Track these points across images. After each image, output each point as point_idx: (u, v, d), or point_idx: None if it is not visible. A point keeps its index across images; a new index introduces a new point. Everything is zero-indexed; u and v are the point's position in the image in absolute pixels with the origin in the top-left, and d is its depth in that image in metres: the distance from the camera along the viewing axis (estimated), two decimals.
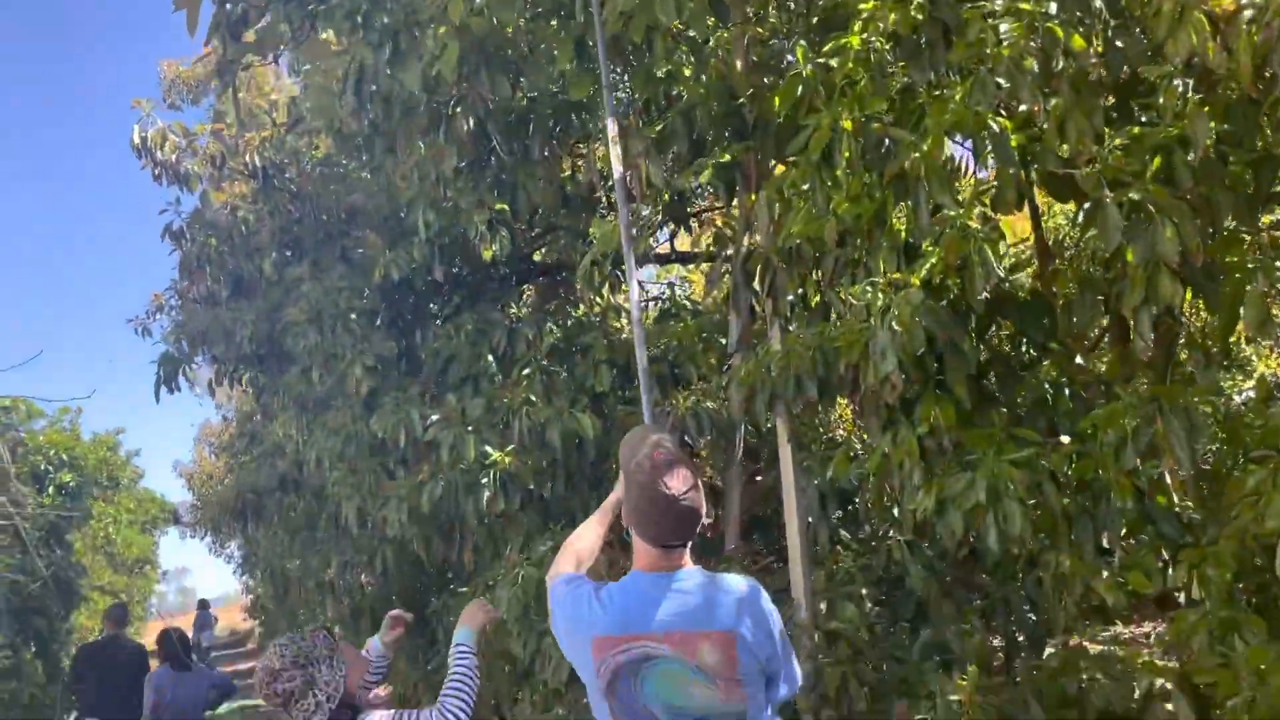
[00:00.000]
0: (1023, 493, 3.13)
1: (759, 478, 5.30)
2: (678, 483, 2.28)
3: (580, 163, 5.87)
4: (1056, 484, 3.20)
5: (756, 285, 4.19)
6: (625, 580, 2.39)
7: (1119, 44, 3.32)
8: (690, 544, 2.40)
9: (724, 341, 5.27)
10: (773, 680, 2.42)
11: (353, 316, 5.86)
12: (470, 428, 5.07)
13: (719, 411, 4.92)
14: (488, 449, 4.95)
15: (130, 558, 22.29)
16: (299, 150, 7.48)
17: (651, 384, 3.82)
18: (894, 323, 3.27)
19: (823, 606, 4.02)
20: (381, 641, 3.37)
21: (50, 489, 11.83)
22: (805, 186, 3.61)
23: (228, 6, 5.98)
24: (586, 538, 2.72)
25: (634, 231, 3.54)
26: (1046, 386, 3.79)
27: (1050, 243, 5.03)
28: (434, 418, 5.18)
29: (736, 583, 2.41)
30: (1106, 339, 4.38)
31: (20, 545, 10.38)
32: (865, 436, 4.80)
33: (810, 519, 4.34)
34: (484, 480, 4.86)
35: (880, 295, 3.38)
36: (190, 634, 8.09)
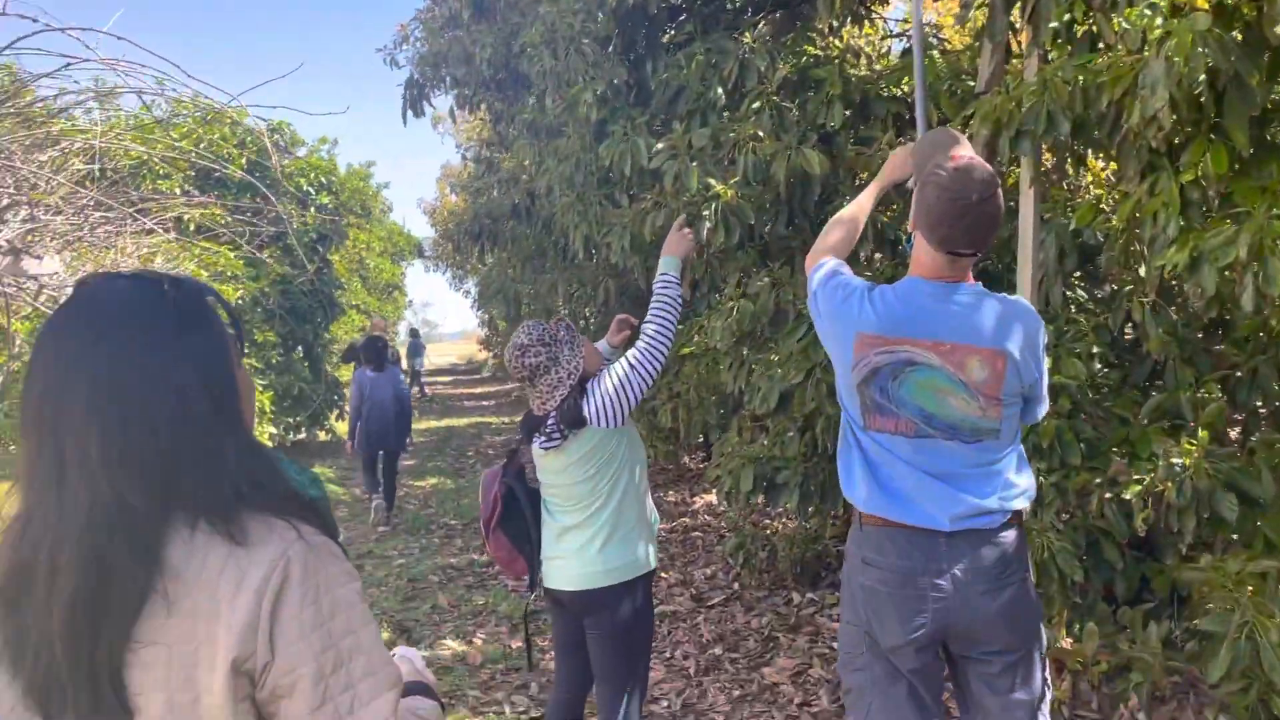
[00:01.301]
0: None
1: None
2: (981, 188, 2.21)
3: None
4: None
5: (1016, 14, 3.81)
6: (902, 283, 2.38)
7: None
8: (980, 253, 2.34)
9: (971, 83, 4.89)
10: (1030, 402, 2.41)
11: (586, 41, 5.79)
12: (695, 159, 5.03)
13: None
14: (711, 181, 4.91)
15: (381, 282, 24.33)
16: None
17: (927, 101, 3.65)
18: (1171, 53, 2.90)
19: (1047, 362, 3.87)
20: (609, 343, 3.57)
21: (311, 209, 12.83)
22: None
23: None
24: (849, 223, 2.70)
25: None
26: None
27: None
28: (660, 147, 5.15)
29: (1015, 303, 2.37)
30: None
31: (289, 257, 11.46)
32: (1116, 194, 4.43)
33: (1045, 275, 4.12)
34: (706, 213, 4.86)
35: (1160, 20, 3.00)
36: (405, 358, 9.56)
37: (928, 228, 2.27)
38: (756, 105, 5.08)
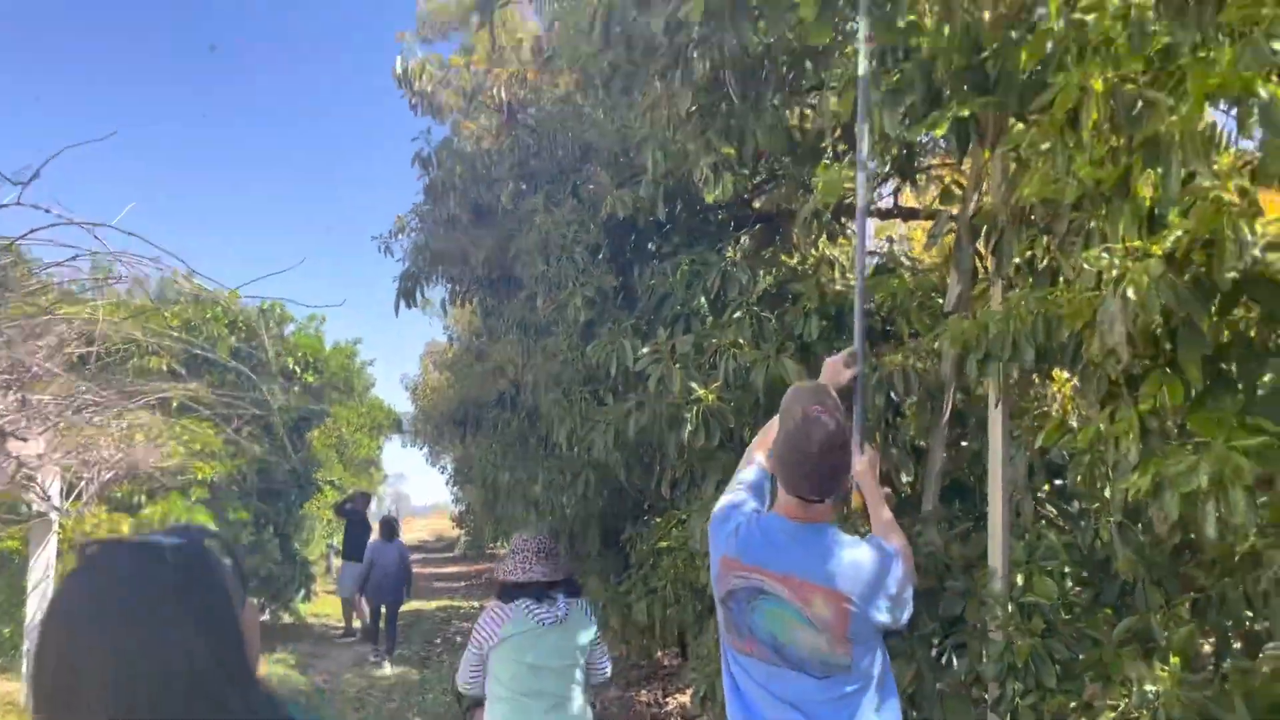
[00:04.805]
0: (1250, 482, 2.96)
1: (964, 442, 5.19)
2: (822, 443, 2.36)
3: (809, 111, 5.83)
4: None
5: (981, 244, 4.09)
6: (767, 517, 2.54)
7: None
8: (829, 500, 2.48)
9: (940, 301, 5.16)
10: (888, 633, 2.50)
11: (577, 249, 6.11)
12: (678, 364, 5.22)
13: (928, 372, 4.85)
14: (693, 385, 5.09)
15: (359, 458, 24.23)
16: (541, 88, 7.80)
17: (865, 335, 3.84)
18: (1128, 292, 3.12)
19: (1019, 579, 3.94)
20: None
21: (295, 388, 12.97)
22: (1045, 147, 3.47)
23: None
24: (750, 469, 2.84)
25: (864, 179, 3.54)
26: None
27: None
28: (645, 350, 5.36)
29: (865, 552, 2.49)
30: None
31: (269, 436, 11.50)
32: (1081, 411, 4.62)
33: (1015, 490, 4.25)
34: (687, 415, 5.01)
35: (1116, 262, 3.24)
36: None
37: (779, 473, 2.45)
38: (738, 315, 5.32)
